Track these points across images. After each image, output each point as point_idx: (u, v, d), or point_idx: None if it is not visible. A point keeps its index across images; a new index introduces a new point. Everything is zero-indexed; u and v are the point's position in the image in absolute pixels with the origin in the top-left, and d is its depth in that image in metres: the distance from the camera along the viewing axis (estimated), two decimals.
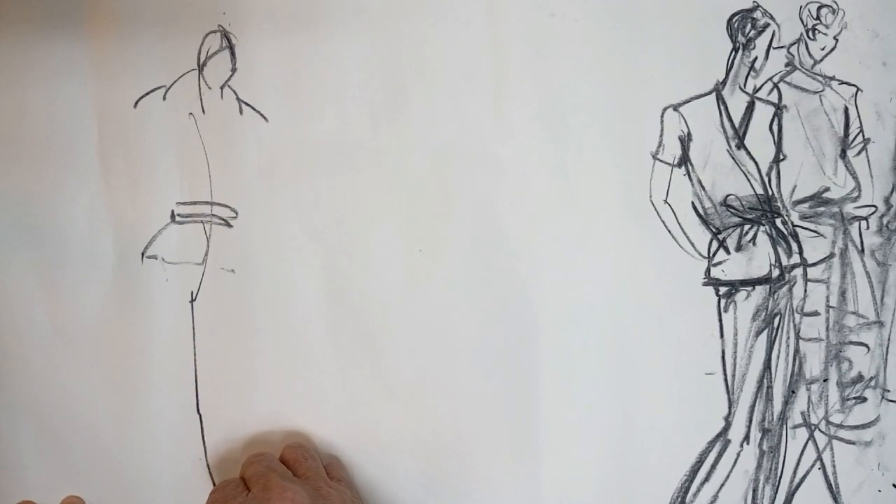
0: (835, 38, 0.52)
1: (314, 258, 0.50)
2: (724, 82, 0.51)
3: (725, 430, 0.52)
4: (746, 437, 0.52)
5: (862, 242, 0.52)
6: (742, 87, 0.51)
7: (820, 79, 0.52)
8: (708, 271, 0.51)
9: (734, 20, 0.51)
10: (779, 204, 0.52)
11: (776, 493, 0.52)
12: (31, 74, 0.50)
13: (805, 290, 0.52)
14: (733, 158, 0.51)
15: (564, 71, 0.50)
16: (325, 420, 0.51)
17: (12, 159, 0.50)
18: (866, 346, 0.52)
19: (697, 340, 0.51)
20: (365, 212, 0.50)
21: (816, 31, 0.52)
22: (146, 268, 0.50)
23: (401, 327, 0.51)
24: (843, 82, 0.52)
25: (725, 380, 0.51)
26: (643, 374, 0.51)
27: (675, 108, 0.51)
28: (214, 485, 0.50)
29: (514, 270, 0.51)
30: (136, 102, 0.50)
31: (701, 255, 0.51)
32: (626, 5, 0.51)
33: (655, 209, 0.51)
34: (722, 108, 0.51)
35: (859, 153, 0.52)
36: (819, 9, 0.52)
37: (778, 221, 0.52)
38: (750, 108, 0.51)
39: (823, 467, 0.52)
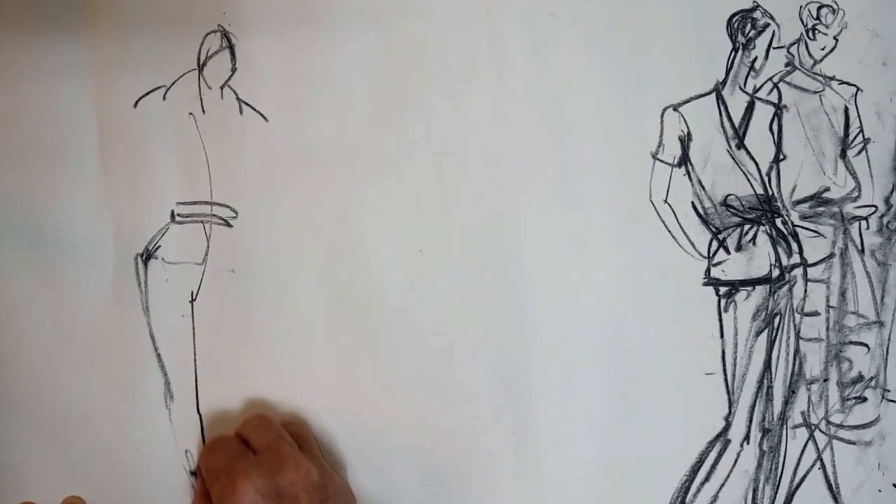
0: (835, 38, 0.52)
1: (314, 258, 0.50)
2: (724, 82, 0.51)
3: (725, 430, 0.52)
4: (746, 437, 0.52)
5: (862, 242, 0.52)
6: (742, 87, 0.51)
7: (820, 79, 0.52)
8: (708, 271, 0.51)
9: (734, 20, 0.51)
10: (779, 204, 0.52)
11: (776, 493, 0.52)
12: (31, 74, 0.50)
13: (805, 290, 0.52)
14: (733, 158, 0.51)
15: (564, 71, 0.50)
16: (324, 420, 0.51)
17: (12, 159, 0.50)
18: (866, 346, 0.52)
19: (697, 340, 0.51)
20: (365, 212, 0.50)
21: (816, 31, 0.51)
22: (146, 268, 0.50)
23: (401, 327, 0.51)
24: (843, 82, 0.52)
25: (725, 380, 0.51)
26: (643, 374, 0.51)
27: (675, 108, 0.51)
28: None
29: (514, 270, 0.51)
30: (136, 102, 0.50)
31: (701, 255, 0.51)
32: (626, 5, 0.51)
33: (655, 209, 0.51)
34: (722, 108, 0.51)
35: (859, 153, 0.52)
36: (819, 9, 0.51)
37: (778, 221, 0.52)
38: (750, 108, 0.51)
39: (823, 467, 0.52)
